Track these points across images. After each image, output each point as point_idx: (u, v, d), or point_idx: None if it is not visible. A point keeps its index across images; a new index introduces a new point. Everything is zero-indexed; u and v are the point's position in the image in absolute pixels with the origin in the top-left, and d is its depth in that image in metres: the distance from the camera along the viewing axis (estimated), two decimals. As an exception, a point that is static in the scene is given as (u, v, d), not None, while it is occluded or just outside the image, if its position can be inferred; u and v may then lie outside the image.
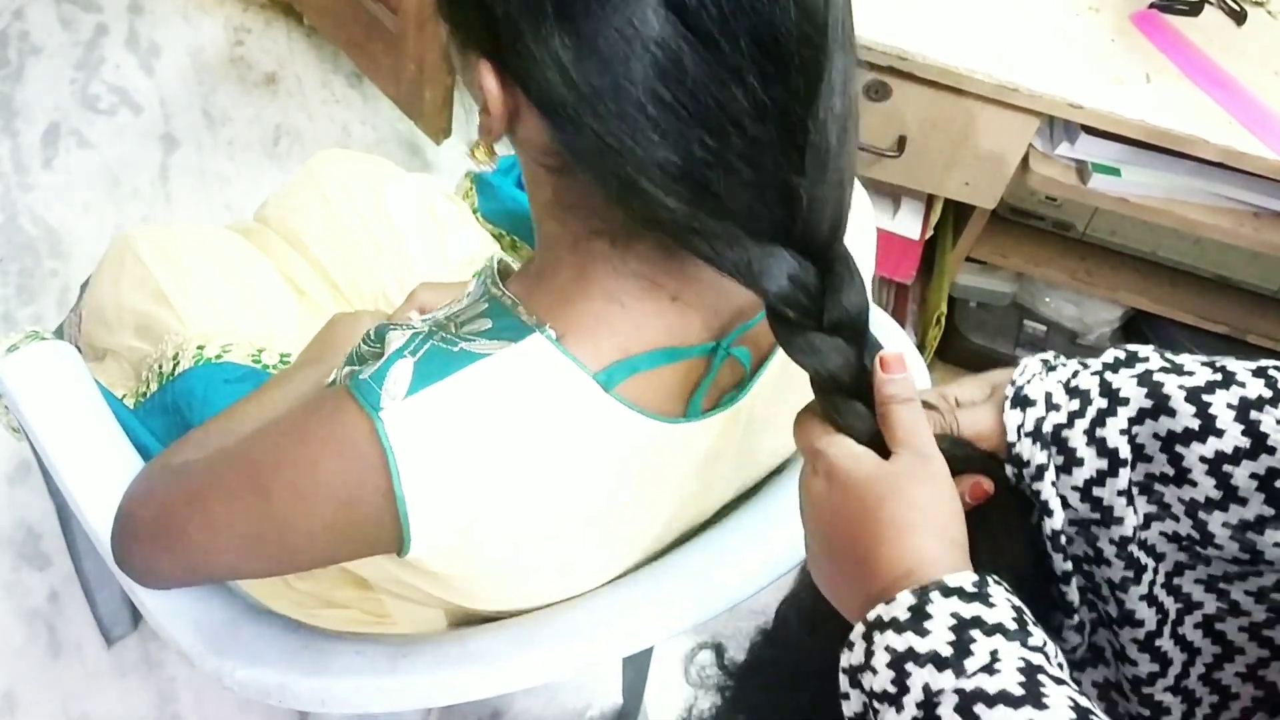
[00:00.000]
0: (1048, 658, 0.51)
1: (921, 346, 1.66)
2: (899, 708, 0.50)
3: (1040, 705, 0.47)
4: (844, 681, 0.54)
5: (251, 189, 1.89)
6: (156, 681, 1.40)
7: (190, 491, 0.71)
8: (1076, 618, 0.66)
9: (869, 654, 0.52)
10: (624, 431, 0.65)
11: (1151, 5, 1.35)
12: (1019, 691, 0.48)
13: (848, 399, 0.60)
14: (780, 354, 0.71)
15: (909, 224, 1.50)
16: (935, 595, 0.52)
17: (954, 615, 0.51)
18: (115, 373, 1.09)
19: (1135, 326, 1.70)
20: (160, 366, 1.03)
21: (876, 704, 0.51)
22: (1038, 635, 0.52)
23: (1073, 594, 0.65)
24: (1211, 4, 1.35)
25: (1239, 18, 1.35)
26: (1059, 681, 0.49)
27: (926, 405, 0.63)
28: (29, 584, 1.45)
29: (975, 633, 0.50)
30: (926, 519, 0.55)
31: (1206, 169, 1.30)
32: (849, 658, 0.53)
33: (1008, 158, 1.33)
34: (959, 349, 1.71)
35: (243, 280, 1.08)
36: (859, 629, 0.53)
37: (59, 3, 2.10)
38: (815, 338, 0.59)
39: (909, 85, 1.27)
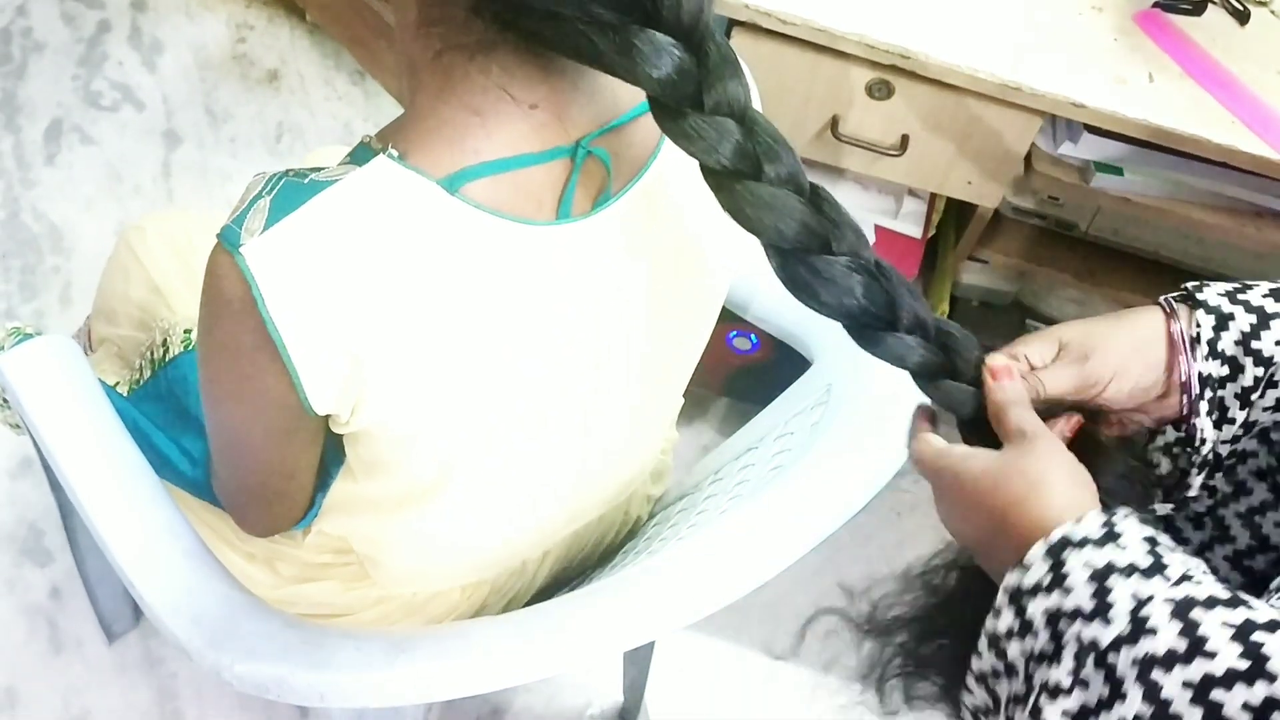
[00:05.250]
0: (1191, 579, 0.53)
1: (923, 345, 1.66)
2: (1056, 662, 0.53)
3: (1208, 656, 0.49)
4: (984, 644, 0.57)
5: (254, 186, 1.89)
6: (157, 678, 1.41)
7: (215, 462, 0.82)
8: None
9: (1023, 617, 0.55)
10: (479, 234, 0.66)
11: (1154, 4, 1.34)
12: (1182, 645, 0.50)
13: (812, 255, 0.61)
14: (662, 149, 0.73)
15: (911, 223, 1.50)
16: (1069, 553, 0.54)
17: (1087, 565, 0.53)
18: (108, 361, 1.10)
19: (1137, 326, 1.70)
20: (152, 354, 1.03)
21: (1033, 664, 0.54)
22: (1174, 564, 0.53)
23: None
24: (1214, 3, 1.35)
25: (1242, 17, 1.35)
26: (1210, 605, 0.51)
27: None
28: (30, 580, 1.46)
29: (1114, 579, 0.53)
30: (1042, 484, 0.58)
31: (1209, 168, 1.30)
32: (995, 624, 0.56)
33: (1010, 157, 1.33)
34: (961, 348, 1.70)
35: None
36: (1003, 597, 0.56)
37: (62, -1, 2.10)
38: (698, 121, 0.60)
39: (912, 84, 1.27)
